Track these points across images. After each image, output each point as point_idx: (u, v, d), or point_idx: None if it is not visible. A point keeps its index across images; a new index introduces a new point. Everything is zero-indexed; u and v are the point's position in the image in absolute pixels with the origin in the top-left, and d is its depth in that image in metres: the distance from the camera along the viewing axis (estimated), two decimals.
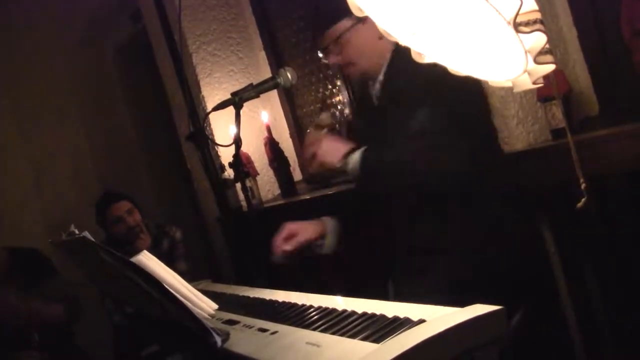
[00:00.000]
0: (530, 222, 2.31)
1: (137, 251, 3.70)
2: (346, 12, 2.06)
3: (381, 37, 2.13)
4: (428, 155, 1.94)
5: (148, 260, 1.91)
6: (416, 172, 1.96)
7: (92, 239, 1.66)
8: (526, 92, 2.37)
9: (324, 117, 2.30)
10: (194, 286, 2.07)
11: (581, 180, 1.34)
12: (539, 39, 1.17)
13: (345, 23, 2.13)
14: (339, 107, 3.88)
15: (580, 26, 2.47)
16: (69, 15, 5.50)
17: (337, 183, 3.36)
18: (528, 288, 2.02)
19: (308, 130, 2.35)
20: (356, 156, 2.04)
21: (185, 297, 1.88)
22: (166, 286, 1.63)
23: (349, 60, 2.19)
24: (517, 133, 2.40)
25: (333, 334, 1.44)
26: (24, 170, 5.52)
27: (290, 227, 2.30)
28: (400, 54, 2.15)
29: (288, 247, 2.22)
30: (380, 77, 2.19)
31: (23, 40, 5.47)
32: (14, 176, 5.42)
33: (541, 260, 2.29)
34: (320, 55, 2.26)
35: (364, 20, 2.10)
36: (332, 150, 2.10)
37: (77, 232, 1.77)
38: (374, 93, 2.26)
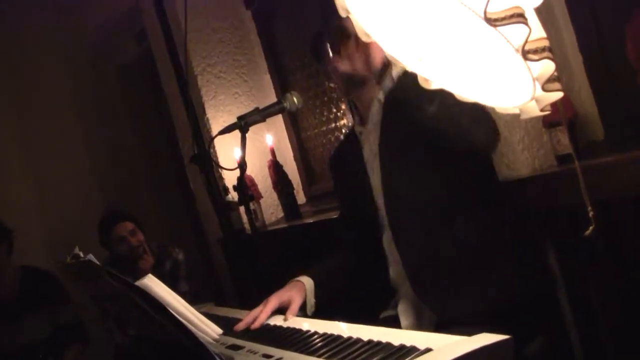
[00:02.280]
0: (535, 248, 2.30)
1: (140, 271, 3.71)
2: None
3: None
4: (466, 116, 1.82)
5: (153, 284, 1.91)
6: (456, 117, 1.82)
7: (97, 263, 1.66)
8: (532, 118, 2.37)
9: None
10: (197, 309, 2.07)
11: (589, 207, 1.33)
12: (547, 67, 1.17)
13: None
14: (343, 131, 3.88)
15: (586, 52, 2.48)
16: (74, 34, 5.54)
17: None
18: (535, 314, 2.01)
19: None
20: None
21: (190, 322, 1.87)
22: (171, 310, 1.62)
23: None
24: (523, 158, 2.40)
25: None
26: (27, 190, 5.53)
27: (275, 300, 2.08)
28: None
29: (291, 316, 2.00)
30: (381, 97, 2.15)
31: (28, 60, 5.50)
32: (17, 195, 5.42)
33: (547, 286, 2.28)
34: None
35: None
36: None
37: (81, 254, 1.76)
38: (370, 115, 2.19)
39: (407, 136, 2.01)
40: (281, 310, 2.06)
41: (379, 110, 2.16)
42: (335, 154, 2.50)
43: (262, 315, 2.00)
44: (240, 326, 1.98)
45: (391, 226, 2.14)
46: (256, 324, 1.97)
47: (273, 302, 2.06)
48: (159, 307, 1.59)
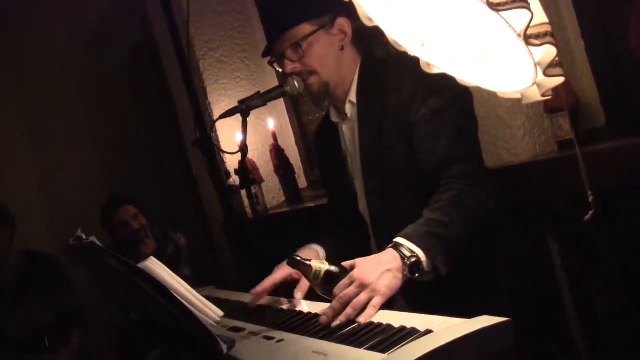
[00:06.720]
0: (535, 234, 2.30)
1: (142, 255, 3.72)
2: (308, 15, 2.04)
3: (343, 48, 2.08)
4: (475, 212, 1.83)
5: (155, 266, 1.92)
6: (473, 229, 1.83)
7: (100, 244, 1.67)
8: (533, 103, 2.37)
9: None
10: (199, 292, 2.08)
11: (589, 192, 1.34)
12: (549, 52, 1.17)
13: (307, 27, 2.03)
14: None
15: (588, 38, 2.47)
16: (77, 20, 5.53)
17: None
18: (532, 301, 2.01)
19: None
20: (422, 257, 1.71)
21: (191, 304, 1.88)
22: (173, 293, 1.63)
23: (310, 68, 2.06)
24: (524, 144, 2.40)
25: (339, 343, 1.44)
26: (30, 174, 5.54)
27: (284, 270, 2.03)
28: (368, 69, 2.09)
29: (299, 295, 1.94)
30: (353, 98, 2.10)
31: (31, 45, 5.49)
32: (21, 180, 5.43)
33: (547, 273, 2.29)
34: (275, 64, 2.15)
35: (327, 27, 2.05)
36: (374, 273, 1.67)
37: (84, 236, 1.77)
38: (339, 119, 2.19)
39: (388, 144, 1.99)
40: (289, 286, 2.04)
41: (354, 115, 2.12)
42: (318, 132, 2.47)
43: (269, 280, 2.02)
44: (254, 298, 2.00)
45: (375, 235, 2.12)
46: (258, 289, 1.99)
47: (282, 272, 2.04)
48: (161, 289, 1.60)
